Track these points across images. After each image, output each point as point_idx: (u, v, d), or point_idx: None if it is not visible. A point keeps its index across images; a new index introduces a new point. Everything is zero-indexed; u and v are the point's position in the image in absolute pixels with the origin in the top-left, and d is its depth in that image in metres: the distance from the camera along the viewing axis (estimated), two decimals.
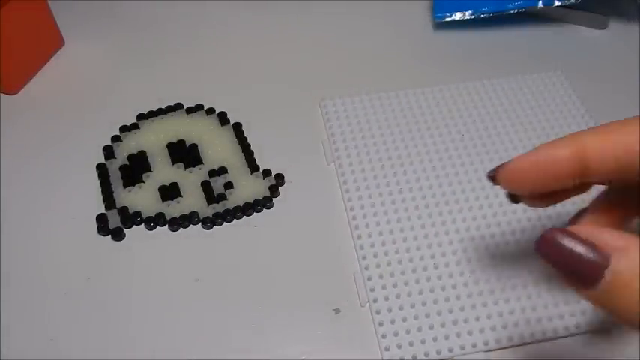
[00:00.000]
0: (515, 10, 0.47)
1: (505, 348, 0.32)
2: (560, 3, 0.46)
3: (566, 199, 0.26)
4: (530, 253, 0.34)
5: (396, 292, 0.33)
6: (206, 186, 0.38)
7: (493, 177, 0.26)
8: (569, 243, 0.20)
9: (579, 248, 0.20)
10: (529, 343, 0.32)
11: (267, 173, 0.39)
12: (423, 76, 0.45)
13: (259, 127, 0.42)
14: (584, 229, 0.20)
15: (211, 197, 0.37)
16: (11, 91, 0.44)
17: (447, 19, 0.48)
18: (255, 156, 0.40)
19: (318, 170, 0.39)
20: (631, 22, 0.49)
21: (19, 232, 0.36)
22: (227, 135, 0.41)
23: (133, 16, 0.51)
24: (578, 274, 0.20)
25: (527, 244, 0.35)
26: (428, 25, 0.49)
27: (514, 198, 0.27)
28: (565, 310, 0.33)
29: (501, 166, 0.25)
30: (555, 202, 0.26)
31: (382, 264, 0.34)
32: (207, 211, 0.37)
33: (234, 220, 0.37)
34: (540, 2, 0.46)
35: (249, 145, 0.40)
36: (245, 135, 0.41)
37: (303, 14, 0.51)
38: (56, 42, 0.47)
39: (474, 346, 0.31)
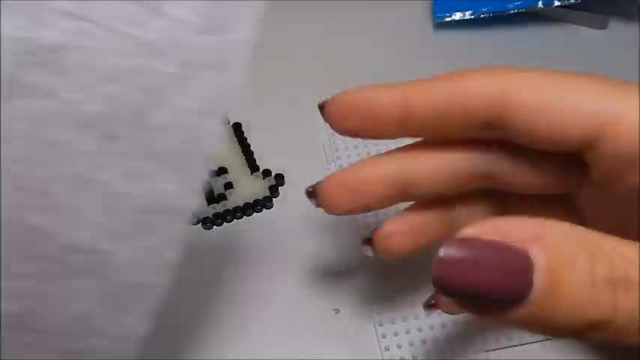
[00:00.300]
0: (515, 10, 0.47)
1: (504, 348, 0.32)
2: (560, 3, 0.46)
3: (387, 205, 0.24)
4: None
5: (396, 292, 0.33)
6: (206, 186, 0.38)
7: (322, 107, 0.25)
8: (471, 254, 0.14)
9: (488, 255, 0.14)
10: (529, 343, 0.32)
11: (267, 173, 0.39)
12: (423, 76, 0.45)
13: (259, 127, 0.42)
14: (481, 227, 0.14)
15: (211, 197, 0.37)
16: None
17: (447, 19, 0.48)
18: (255, 156, 0.40)
19: (318, 170, 0.39)
20: (631, 22, 0.49)
21: None
22: (227, 135, 0.41)
23: None
24: (498, 295, 0.14)
25: None
26: (428, 25, 0.49)
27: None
28: None
29: (331, 98, 0.24)
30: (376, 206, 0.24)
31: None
32: (207, 211, 0.37)
33: (234, 220, 0.37)
34: (540, 2, 0.46)
35: (249, 145, 0.40)
36: (245, 135, 0.41)
37: (304, 14, 0.51)
38: None
39: (474, 345, 0.31)
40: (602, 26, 0.48)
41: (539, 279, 0.13)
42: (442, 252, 0.14)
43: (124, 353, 0.20)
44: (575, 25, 0.49)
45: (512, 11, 0.47)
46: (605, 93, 0.18)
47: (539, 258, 0.13)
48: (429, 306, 0.25)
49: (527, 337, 0.32)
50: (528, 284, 0.13)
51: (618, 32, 0.48)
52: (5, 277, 0.17)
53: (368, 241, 0.24)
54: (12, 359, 0.18)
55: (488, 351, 0.31)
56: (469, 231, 0.14)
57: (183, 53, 0.19)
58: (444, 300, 0.23)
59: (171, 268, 0.20)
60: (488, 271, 0.14)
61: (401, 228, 0.23)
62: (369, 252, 0.24)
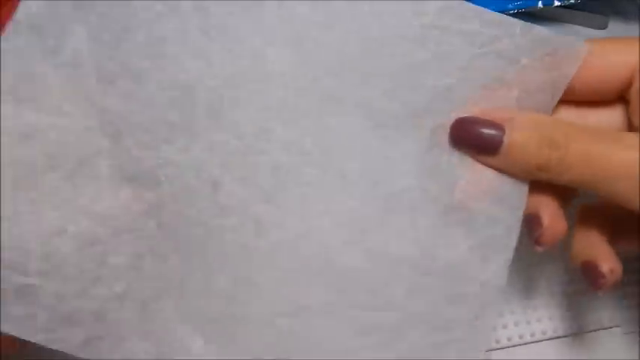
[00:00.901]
0: (515, 11, 0.47)
1: (504, 348, 0.32)
2: (560, 3, 0.46)
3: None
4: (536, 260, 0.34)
5: None
6: None
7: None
8: (473, 125, 0.24)
9: (480, 127, 0.24)
10: (528, 344, 0.32)
11: None
12: None
13: None
14: (480, 111, 0.24)
15: None
16: None
17: None
18: None
19: None
20: (631, 22, 0.49)
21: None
22: None
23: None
24: (484, 146, 0.24)
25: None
26: None
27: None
28: (556, 312, 0.33)
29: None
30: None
31: None
32: None
33: None
34: (540, 2, 0.46)
35: None
36: None
37: None
38: None
39: None
40: (602, 26, 0.48)
41: (505, 141, 0.23)
42: (458, 121, 0.24)
43: (491, 300, 0.24)
44: (575, 25, 0.49)
45: (512, 11, 0.47)
46: None
47: (508, 130, 0.23)
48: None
49: (527, 337, 0.32)
50: (499, 142, 0.23)
51: (618, 32, 0.48)
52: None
53: (538, 239, 0.25)
54: (413, 301, 0.23)
55: (488, 351, 0.31)
56: (472, 109, 0.24)
57: None
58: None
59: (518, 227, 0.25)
60: (479, 135, 0.24)
61: (553, 220, 0.25)
62: (540, 248, 0.25)
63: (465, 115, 0.24)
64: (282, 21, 0.23)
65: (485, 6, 0.47)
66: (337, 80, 0.24)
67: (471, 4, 0.24)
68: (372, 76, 0.24)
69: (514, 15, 0.47)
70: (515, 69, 0.24)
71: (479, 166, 0.24)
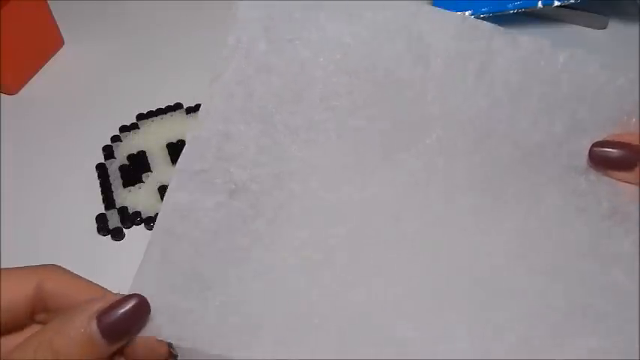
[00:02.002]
0: (515, 10, 0.47)
1: None
2: (559, 3, 0.46)
3: None
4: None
5: None
6: None
7: None
8: (609, 147, 0.27)
9: (616, 148, 0.27)
10: None
11: None
12: None
13: None
14: (611, 136, 0.28)
15: None
16: (11, 91, 0.44)
17: None
18: None
19: None
20: (631, 22, 0.49)
21: (18, 232, 0.36)
22: None
23: (133, 16, 0.51)
24: (621, 164, 0.27)
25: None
26: None
27: None
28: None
29: None
30: None
31: None
32: None
33: None
34: (540, 2, 0.46)
35: None
36: None
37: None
38: (56, 42, 0.47)
39: None
40: (602, 26, 0.48)
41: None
42: (594, 147, 0.28)
43: None
44: (575, 25, 0.49)
45: (512, 11, 0.47)
46: None
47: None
48: None
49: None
50: (634, 160, 0.27)
51: (618, 32, 0.48)
52: None
53: None
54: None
55: None
56: (602, 135, 0.28)
57: None
58: None
59: None
60: (616, 153, 0.27)
61: None
62: None
63: (599, 139, 0.28)
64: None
65: (484, 6, 0.47)
66: (488, 119, 0.29)
67: (589, 54, 0.30)
68: (517, 112, 0.29)
69: (514, 15, 0.47)
70: (632, 100, 0.28)
71: (614, 181, 0.28)
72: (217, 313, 0.25)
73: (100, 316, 0.22)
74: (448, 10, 0.49)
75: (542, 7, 0.47)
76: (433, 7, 0.30)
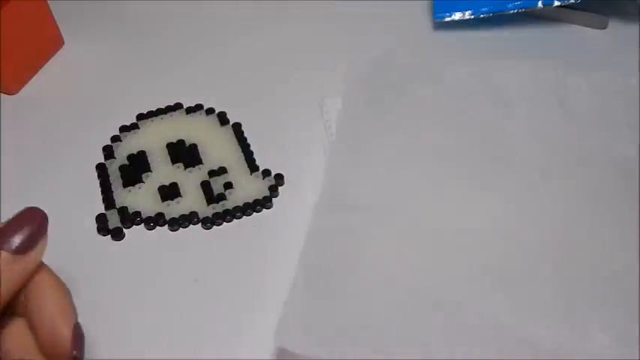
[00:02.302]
0: (515, 10, 0.47)
1: None
2: (560, 3, 0.46)
3: None
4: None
5: None
6: (206, 186, 0.38)
7: None
8: None
9: None
10: None
11: (267, 173, 0.39)
12: (422, 75, 0.45)
13: (259, 127, 0.41)
14: None
15: (211, 197, 0.37)
16: (11, 91, 0.44)
17: (447, 19, 0.47)
18: (255, 156, 0.40)
19: (317, 170, 0.39)
20: (631, 22, 0.49)
21: None
22: (227, 135, 0.41)
23: (133, 16, 0.51)
24: None
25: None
26: (428, 25, 0.49)
27: None
28: None
29: None
30: None
31: None
32: (206, 211, 0.37)
33: (234, 220, 0.37)
34: (540, 2, 0.46)
35: (249, 145, 0.40)
36: (245, 135, 0.41)
37: (304, 14, 0.51)
38: (56, 42, 0.47)
39: None
40: (603, 26, 0.48)
41: None
42: None
43: None
44: (575, 25, 0.49)
45: (511, 11, 0.47)
46: None
47: None
48: None
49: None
50: None
51: (618, 32, 0.48)
52: None
53: None
54: None
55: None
56: None
57: None
58: None
59: None
60: None
61: None
62: None
63: None
64: None
65: (484, 6, 0.47)
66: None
67: None
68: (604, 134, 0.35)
69: (514, 15, 0.47)
70: None
71: None
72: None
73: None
74: (448, 10, 0.50)
75: (542, 7, 0.47)
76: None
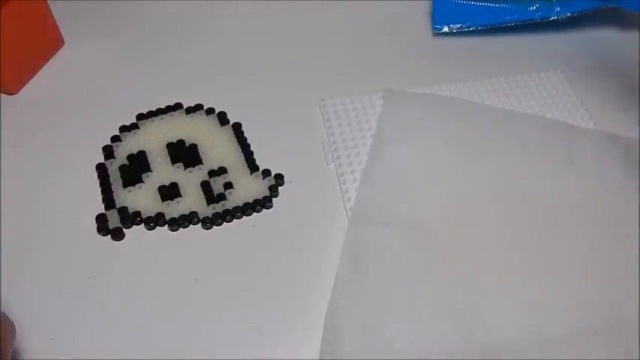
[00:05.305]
0: (513, 23, 0.47)
1: None
2: (556, 17, 0.46)
3: None
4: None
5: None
6: (206, 186, 0.38)
7: None
8: None
9: None
10: None
11: (267, 173, 0.39)
12: (422, 76, 0.45)
13: (259, 127, 0.42)
14: None
15: (211, 197, 0.37)
16: (11, 91, 0.44)
17: (446, 29, 0.48)
18: (255, 156, 0.40)
19: (318, 170, 0.39)
20: (631, 22, 0.49)
21: (18, 232, 0.36)
22: (227, 135, 0.41)
23: (133, 16, 0.51)
24: None
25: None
26: (428, 26, 0.49)
27: None
28: None
29: None
30: None
31: None
32: (206, 211, 0.37)
33: (234, 220, 0.37)
34: (537, 15, 0.47)
35: (249, 145, 0.40)
36: (245, 135, 0.41)
37: (304, 15, 0.51)
38: (56, 42, 0.47)
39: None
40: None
41: None
42: None
43: None
44: (575, 26, 0.49)
45: (510, 24, 0.47)
46: None
47: None
48: None
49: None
50: None
51: (618, 32, 0.48)
52: None
53: None
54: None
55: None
56: None
57: None
58: None
59: None
60: None
61: None
62: None
63: None
64: None
65: (483, 18, 0.47)
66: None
67: None
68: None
69: (514, 26, 0.47)
70: None
71: None
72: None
73: None
74: (447, 21, 0.50)
75: (539, 20, 0.47)
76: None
